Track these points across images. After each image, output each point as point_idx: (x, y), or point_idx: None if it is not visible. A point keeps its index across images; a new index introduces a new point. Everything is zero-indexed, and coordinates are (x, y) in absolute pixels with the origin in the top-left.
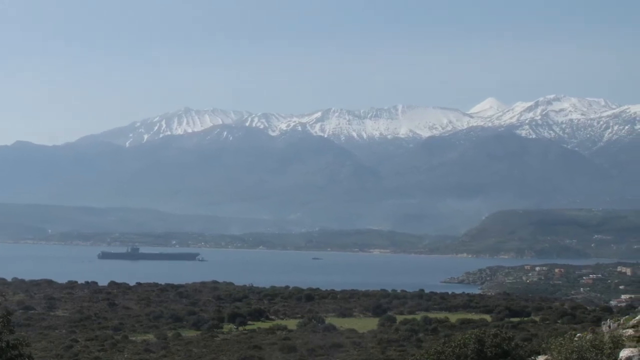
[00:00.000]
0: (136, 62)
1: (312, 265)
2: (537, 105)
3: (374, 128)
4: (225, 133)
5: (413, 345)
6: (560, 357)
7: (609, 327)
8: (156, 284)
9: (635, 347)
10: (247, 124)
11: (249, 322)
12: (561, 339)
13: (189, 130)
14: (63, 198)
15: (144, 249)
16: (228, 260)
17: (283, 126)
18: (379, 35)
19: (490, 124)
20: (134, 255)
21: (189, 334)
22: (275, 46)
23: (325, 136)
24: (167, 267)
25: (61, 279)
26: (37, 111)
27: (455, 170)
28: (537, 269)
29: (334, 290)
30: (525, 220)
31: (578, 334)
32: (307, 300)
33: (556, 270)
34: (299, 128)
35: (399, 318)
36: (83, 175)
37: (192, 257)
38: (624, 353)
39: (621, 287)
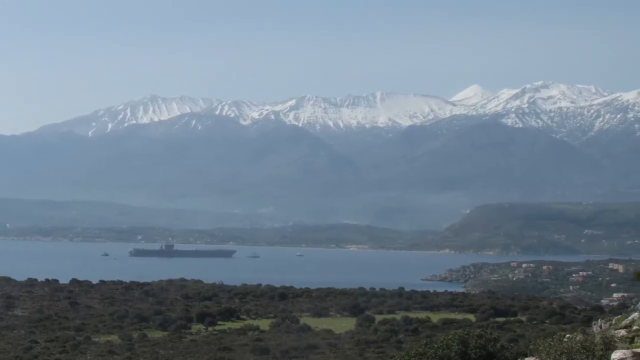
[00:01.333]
0: (99, 46)
1: (298, 262)
2: (523, 92)
3: (351, 117)
4: (193, 122)
5: (392, 347)
6: (548, 359)
7: (600, 327)
8: (120, 282)
9: (627, 348)
10: (216, 113)
11: (219, 322)
12: (549, 340)
13: (156, 119)
14: (22, 191)
15: (178, 246)
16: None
17: (255, 115)
18: (356, 19)
19: (474, 113)
20: (167, 252)
21: (155, 334)
22: (247, 30)
23: (300, 125)
24: (203, 265)
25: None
26: None
27: (437, 161)
28: (524, 266)
29: (308, 288)
30: (511, 214)
31: (567, 335)
32: (280, 299)
33: (544, 267)
34: (272, 117)
35: (378, 318)
36: (43, 166)
37: (228, 254)
38: (616, 355)
39: (613, 285)
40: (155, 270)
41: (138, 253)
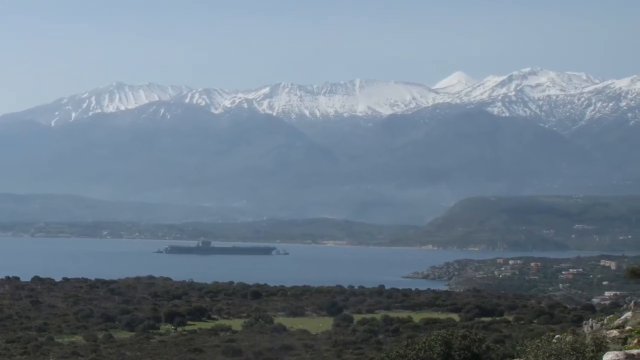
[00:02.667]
0: (62, 31)
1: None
2: (510, 79)
3: (329, 105)
4: (162, 110)
5: (372, 348)
6: None
7: (591, 327)
8: (85, 280)
9: (620, 349)
10: (186, 101)
11: (189, 322)
12: (538, 341)
13: (122, 108)
14: None
15: (215, 243)
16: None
17: (227, 103)
18: (334, 2)
19: (458, 101)
20: (205, 249)
21: (122, 335)
22: (218, 14)
23: (274, 114)
24: (242, 263)
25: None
26: None
27: (419, 152)
28: (511, 262)
29: (283, 286)
30: (498, 208)
31: (556, 336)
32: (253, 297)
33: (532, 264)
34: (245, 105)
35: (357, 317)
36: (3, 157)
37: (268, 251)
38: (608, 357)
39: (604, 283)
40: (193, 268)
41: (174, 250)
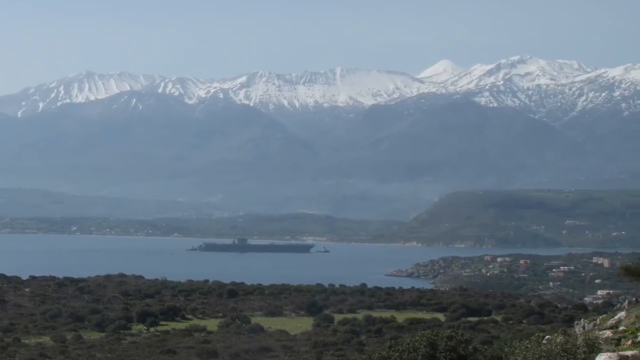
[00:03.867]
0: (29, 18)
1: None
2: (498, 68)
3: (308, 95)
4: (133, 101)
5: (353, 350)
6: None
7: (583, 327)
8: (53, 278)
9: (614, 351)
10: (159, 91)
11: (162, 322)
12: (527, 342)
13: (92, 98)
14: None
15: (252, 240)
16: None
17: (202, 93)
18: None
19: (444, 91)
20: (241, 247)
21: (92, 335)
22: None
23: (251, 105)
24: (278, 261)
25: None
26: None
27: (403, 144)
28: (499, 260)
29: (260, 284)
30: (485, 203)
31: (547, 336)
32: (229, 296)
33: (521, 261)
34: (221, 95)
35: (337, 317)
36: None
37: (306, 249)
38: (601, 358)
39: (597, 281)
40: (229, 266)
41: (209, 247)
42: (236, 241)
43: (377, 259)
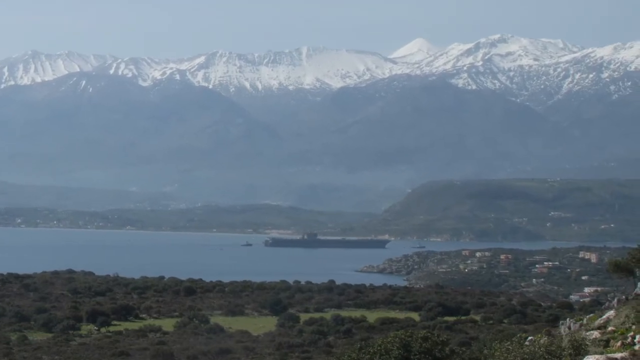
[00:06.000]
0: None
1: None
2: (477, 47)
3: (272, 77)
4: (83, 83)
5: (321, 352)
6: None
7: (569, 328)
8: None
9: (602, 353)
10: (110, 72)
11: (114, 322)
12: (508, 343)
13: (38, 80)
14: None
15: (322, 235)
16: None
17: (157, 74)
18: None
19: (418, 72)
20: (310, 242)
21: (38, 336)
22: None
23: (210, 87)
24: (353, 257)
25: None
26: None
27: (374, 130)
28: (478, 254)
29: (220, 281)
30: (463, 193)
31: (529, 337)
32: (186, 294)
33: (502, 256)
34: (177, 77)
35: (303, 317)
36: None
37: (381, 244)
38: None
39: (584, 277)
40: (297, 262)
41: (276, 243)
42: (305, 236)
43: (347, 254)
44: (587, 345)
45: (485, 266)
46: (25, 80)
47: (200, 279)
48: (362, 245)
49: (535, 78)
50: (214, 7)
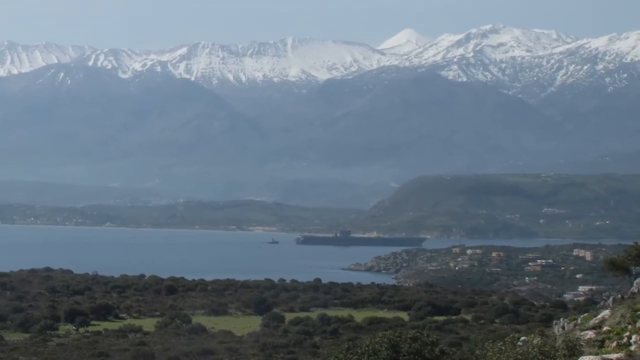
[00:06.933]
0: None
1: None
2: (468, 38)
3: (256, 69)
4: (61, 75)
5: (306, 352)
6: None
7: (563, 328)
8: None
9: (597, 354)
10: (89, 63)
11: (93, 322)
12: (500, 343)
13: (14, 72)
14: None
15: (355, 233)
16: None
17: (137, 66)
18: None
19: (407, 64)
20: (343, 240)
21: (15, 337)
22: None
23: (193, 79)
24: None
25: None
26: None
27: (362, 124)
28: (469, 252)
29: (203, 280)
30: (454, 189)
31: (522, 338)
32: (168, 293)
33: (493, 254)
34: (158, 68)
35: (289, 317)
36: None
37: (417, 242)
38: None
39: (578, 276)
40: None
41: (307, 241)
42: (339, 234)
43: (333, 252)
44: (581, 345)
45: (476, 264)
46: (1, 72)
47: (182, 277)
48: (398, 243)
49: (527, 70)
50: None
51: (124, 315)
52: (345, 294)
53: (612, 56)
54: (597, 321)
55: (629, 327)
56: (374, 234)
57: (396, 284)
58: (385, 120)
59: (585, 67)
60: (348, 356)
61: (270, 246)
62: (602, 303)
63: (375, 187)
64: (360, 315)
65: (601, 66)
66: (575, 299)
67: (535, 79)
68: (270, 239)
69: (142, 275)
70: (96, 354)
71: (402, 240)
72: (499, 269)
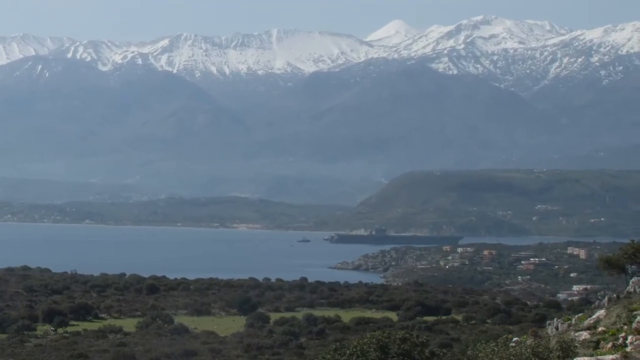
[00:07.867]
0: None
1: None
2: (459, 30)
3: (240, 61)
4: (39, 67)
5: (292, 353)
6: None
7: (557, 328)
8: None
9: (591, 355)
10: (68, 55)
11: (72, 323)
12: (492, 344)
13: None
14: None
15: (391, 232)
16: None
17: (117, 58)
18: None
19: (396, 56)
20: (379, 238)
21: None
22: None
23: (175, 72)
24: None
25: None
26: None
27: (349, 118)
28: (460, 250)
29: (185, 279)
30: (444, 185)
31: (515, 338)
32: (149, 292)
33: (485, 252)
34: (139, 61)
35: (274, 317)
36: None
37: (454, 241)
38: None
39: (572, 275)
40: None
41: (341, 239)
42: (374, 232)
43: (319, 250)
44: (575, 346)
45: (467, 262)
46: None
47: (164, 276)
48: (434, 241)
49: (520, 62)
50: None
51: (103, 315)
52: (332, 293)
53: (607, 48)
54: (591, 321)
55: (625, 327)
56: (410, 233)
57: (384, 283)
58: (374, 114)
59: (580, 60)
60: (335, 357)
61: (301, 244)
62: (597, 303)
63: (363, 183)
64: (347, 316)
65: (596, 58)
66: (570, 299)
67: (528, 71)
68: (302, 237)
69: (123, 274)
70: (75, 355)
71: (438, 239)
72: (490, 268)
